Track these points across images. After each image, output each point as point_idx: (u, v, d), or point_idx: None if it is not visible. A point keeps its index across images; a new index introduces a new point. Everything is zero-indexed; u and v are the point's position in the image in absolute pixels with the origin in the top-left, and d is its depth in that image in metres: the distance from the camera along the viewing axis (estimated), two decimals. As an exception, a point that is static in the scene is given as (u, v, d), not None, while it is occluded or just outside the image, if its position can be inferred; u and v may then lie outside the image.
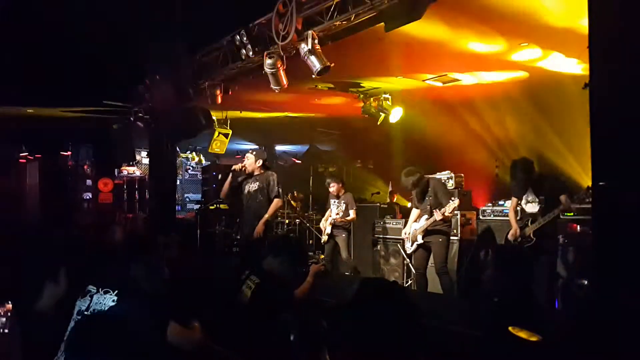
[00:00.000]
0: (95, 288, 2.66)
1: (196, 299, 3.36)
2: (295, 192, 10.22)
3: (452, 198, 6.06)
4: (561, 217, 5.45)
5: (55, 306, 2.79)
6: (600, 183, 2.02)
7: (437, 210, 6.01)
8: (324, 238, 7.73)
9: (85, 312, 2.59)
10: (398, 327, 1.60)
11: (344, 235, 7.61)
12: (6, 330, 2.01)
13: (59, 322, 2.67)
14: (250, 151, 6.62)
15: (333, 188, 7.73)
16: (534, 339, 1.34)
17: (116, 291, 2.60)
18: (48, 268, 3.38)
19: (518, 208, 5.56)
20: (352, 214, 7.56)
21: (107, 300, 2.57)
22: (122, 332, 2.49)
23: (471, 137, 8.40)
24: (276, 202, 6.29)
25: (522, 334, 1.36)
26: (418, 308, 1.64)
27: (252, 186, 6.40)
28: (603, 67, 2.08)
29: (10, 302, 2.07)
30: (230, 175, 6.61)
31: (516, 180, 5.42)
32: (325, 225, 7.68)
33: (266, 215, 6.19)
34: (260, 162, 6.45)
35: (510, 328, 1.37)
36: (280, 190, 6.37)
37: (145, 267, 2.75)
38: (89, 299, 2.63)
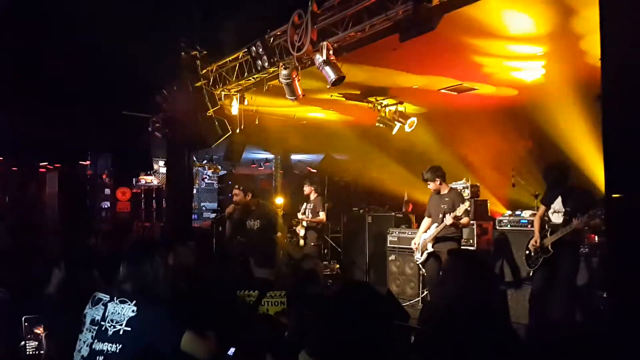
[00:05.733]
0: (108, 296, 2.65)
1: (210, 308, 3.37)
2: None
3: (463, 202, 6.05)
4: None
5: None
6: (614, 195, 2.01)
7: (449, 214, 5.99)
8: (301, 242, 7.98)
9: (102, 322, 2.59)
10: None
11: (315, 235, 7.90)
12: (42, 352, 2.04)
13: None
14: (237, 187, 6.94)
15: (306, 190, 8.11)
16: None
17: (134, 301, 2.59)
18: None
19: (545, 218, 5.46)
20: (322, 215, 7.86)
21: (125, 310, 2.57)
22: (143, 343, 2.53)
23: (487, 147, 8.34)
24: (279, 237, 6.69)
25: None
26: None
27: (254, 223, 6.67)
28: (616, 78, 2.08)
29: (43, 326, 2.12)
30: (227, 220, 7.06)
31: (548, 185, 5.34)
32: (299, 229, 7.91)
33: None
34: (250, 194, 6.76)
35: None
36: (281, 223, 6.84)
37: (162, 276, 2.76)
38: (103, 307, 2.62)
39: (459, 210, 5.93)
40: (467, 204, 5.98)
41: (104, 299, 2.64)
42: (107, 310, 2.60)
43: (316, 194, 8.07)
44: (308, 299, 3.40)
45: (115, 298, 2.62)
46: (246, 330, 3.02)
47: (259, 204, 6.80)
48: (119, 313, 2.57)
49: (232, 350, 2.84)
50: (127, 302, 2.60)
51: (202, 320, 2.92)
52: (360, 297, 1.81)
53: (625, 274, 2.03)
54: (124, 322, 2.55)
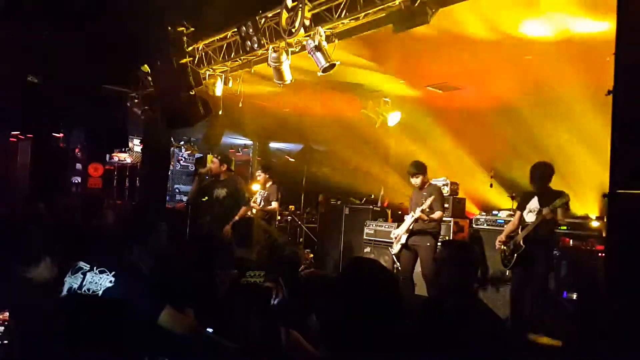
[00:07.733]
0: (87, 265, 2.59)
1: (189, 285, 3.31)
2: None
3: (431, 195, 6.02)
4: (556, 230, 5.47)
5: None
6: (618, 190, 2.02)
7: (419, 208, 5.98)
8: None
9: (78, 291, 2.53)
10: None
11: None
12: (5, 342, 1.96)
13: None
14: (216, 156, 7.19)
15: (260, 178, 8.13)
16: (556, 344, 1.34)
17: (113, 272, 2.53)
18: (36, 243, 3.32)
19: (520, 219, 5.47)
20: (274, 204, 7.94)
21: (103, 280, 2.51)
22: (118, 314, 2.46)
23: (467, 146, 8.41)
24: (244, 210, 6.92)
25: (544, 340, 1.35)
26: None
27: (220, 192, 6.87)
28: (629, 73, 2.08)
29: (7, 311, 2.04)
30: (197, 178, 7.26)
31: (534, 184, 5.33)
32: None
33: (236, 217, 6.69)
34: (225, 166, 6.96)
35: (530, 335, 1.38)
36: (247, 197, 7.16)
37: (145, 251, 2.71)
38: (81, 276, 2.56)
39: (426, 203, 5.93)
40: (431, 197, 5.96)
41: (84, 268, 2.59)
42: (85, 280, 2.55)
43: (271, 182, 8.07)
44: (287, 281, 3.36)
45: (94, 268, 2.57)
46: (230, 301, 2.99)
47: (230, 176, 7.02)
48: (96, 282, 2.52)
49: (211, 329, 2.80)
50: (105, 272, 2.55)
51: (181, 296, 2.87)
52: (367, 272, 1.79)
53: (627, 269, 2.05)
54: (100, 292, 2.49)
